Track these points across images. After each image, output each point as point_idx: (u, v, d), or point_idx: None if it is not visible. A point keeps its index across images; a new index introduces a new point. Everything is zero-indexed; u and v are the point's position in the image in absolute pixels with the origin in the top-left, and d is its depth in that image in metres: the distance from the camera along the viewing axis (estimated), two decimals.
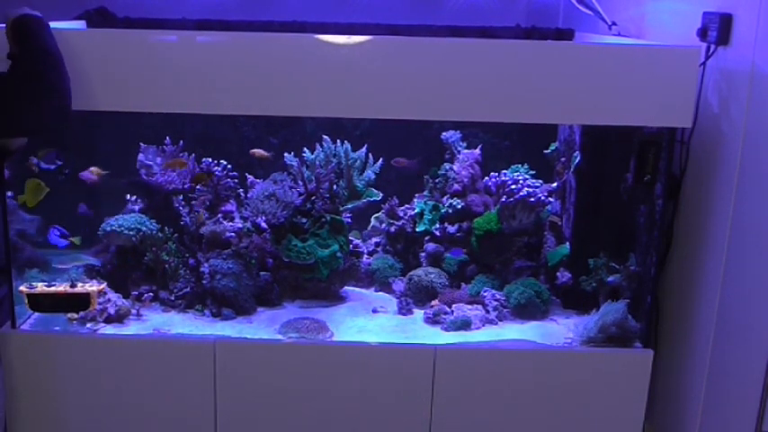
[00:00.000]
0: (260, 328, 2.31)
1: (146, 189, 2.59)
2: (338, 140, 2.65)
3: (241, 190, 2.60)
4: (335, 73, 1.96)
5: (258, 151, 2.54)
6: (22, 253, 2.48)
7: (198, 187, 2.55)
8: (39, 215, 2.51)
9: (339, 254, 2.47)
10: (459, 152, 2.69)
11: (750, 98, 1.88)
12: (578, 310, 2.41)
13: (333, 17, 2.92)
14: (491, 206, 2.58)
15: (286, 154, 2.63)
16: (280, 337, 2.26)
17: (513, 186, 2.51)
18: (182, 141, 2.59)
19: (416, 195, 2.74)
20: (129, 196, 2.59)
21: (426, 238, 2.63)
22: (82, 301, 2.22)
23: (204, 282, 2.38)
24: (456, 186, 2.62)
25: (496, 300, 2.41)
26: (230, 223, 2.50)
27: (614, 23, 2.52)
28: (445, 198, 2.64)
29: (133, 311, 2.35)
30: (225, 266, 2.38)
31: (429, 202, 2.66)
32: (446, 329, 2.32)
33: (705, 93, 2.09)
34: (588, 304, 2.32)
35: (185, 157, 2.60)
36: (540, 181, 2.56)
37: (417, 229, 2.65)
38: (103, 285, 2.29)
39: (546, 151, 2.68)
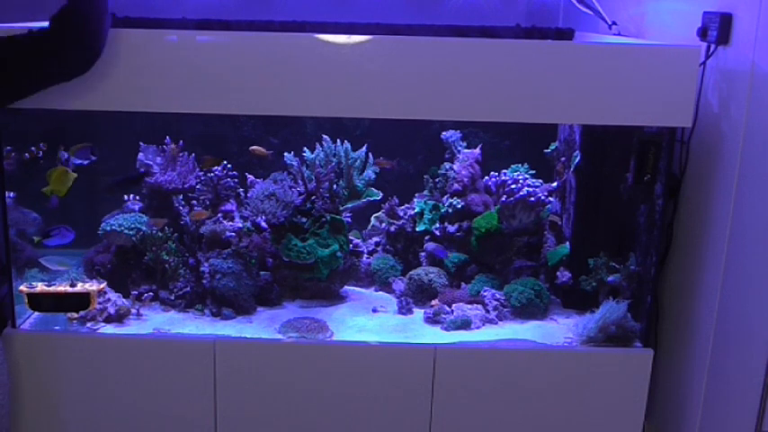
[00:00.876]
0: (260, 327, 2.31)
1: (146, 188, 2.59)
2: (338, 140, 2.65)
3: (241, 189, 2.60)
4: (335, 73, 1.96)
5: (257, 148, 2.54)
6: (22, 253, 2.48)
7: (198, 187, 2.55)
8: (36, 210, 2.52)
9: (339, 253, 2.47)
10: (459, 152, 2.69)
11: (750, 98, 1.88)
12: (578, 310, 2.41)
13: (333, 17, 2.92)
14: (491, 206, 2.58)
15: (286, 153, 2.63)
16: (280, 336, 2.26)
17: (513, 186, 2.51)
18: (182, 141, 2.59)
19: (416, 195, 2.74)
20: (127, 197, 2.59)
21: (426, 237, 2.64)
22: (82, 301, 2.22)
23: (204, 281, 2.39)
24: (456, 186, 2.62)
25: (496, 299, 2.41)
26: (230, 223, 2.51)
27: (614, 23, 2.52)
28: (445, 198, 2.64)
29: (133, 311, 2.36)
30: (225, 266, 2.38)
31: (429, 202, 2.67)
32: (446, 329, 2.32)
33: (705, 92, 2.10)
34: (588, 304, 2.32)
35: (185, 157, 2.60)
36: (540, 181, 2.56)
37: (417, 229, 2.65)
38: (103, 285, 2.30)
39: (546, 151, 2.68)
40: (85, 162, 2.39)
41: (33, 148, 2.37)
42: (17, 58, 1.84)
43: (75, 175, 2.34)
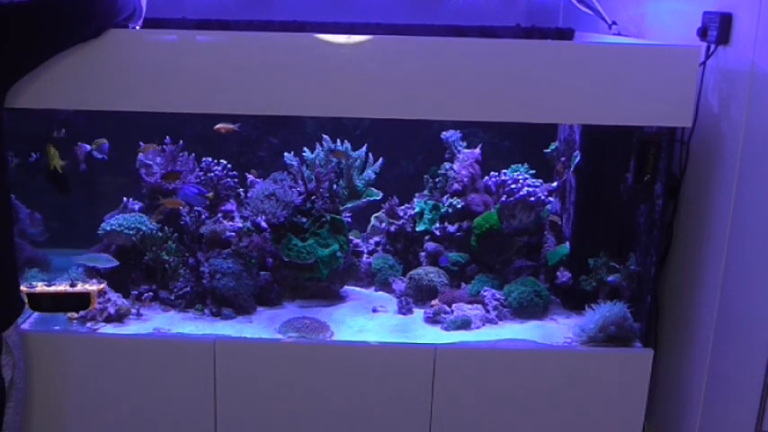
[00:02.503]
0: (260, 327, 2.31)
1: (146, 189, 2.59)
2: (338, 140, 2.65)
3: (241, 189, 2.60)
4: (335, 73, 1.96)
5: (222, 126, 2.51)
6: (22, 253, 2.48)
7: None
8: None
9: (339, 253, 2.47)
10: (459, 152, 2.69)
11: (750, 98, 1.88)
12: (578, 310, 2.41)
13: (333, 17, 2.92)
14: (491, 206, 2.58)
15: (286, 153, 2.63)
16: (280, 336, 2.26)
17: (513, 186, 2.51)
18: (182, 141, 2.59)
19: (416, 195, 2.74)
20: (129, 200, 2.60)
21: (426, 237, 2.63)
22: (82, 301, 2.22)
23: (204, 281, 2.39)
24: (456, 186, 2.62)
25: (496, 299, 2.41)
26: (230, 223, 2.51)
27: (614, 23, 2.52)
28: (445, 197, 2.64)
29: (133, 311, 2.35)
30: (225, 266, 2.38)
31: (429, 202, 2.67)
32: (446, 329, 2.32)
33: (705, 93, 2.09)
34: (588, 304, 2.32)
35: (185, 157, 2.60)
36: (540, 180, 2.56)
37: (417, 229, 2.65)
38: (103, 285, 2.30)
39: (546, 151, 2.68)
40: (101, 156, 2.39)
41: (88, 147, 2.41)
42: (41, 18, 1.83)
43: (62, 162, 2.37)
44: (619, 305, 2.23)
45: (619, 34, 2.52)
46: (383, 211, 2.74)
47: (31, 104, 1.96)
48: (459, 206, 2.58)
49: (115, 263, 2.37)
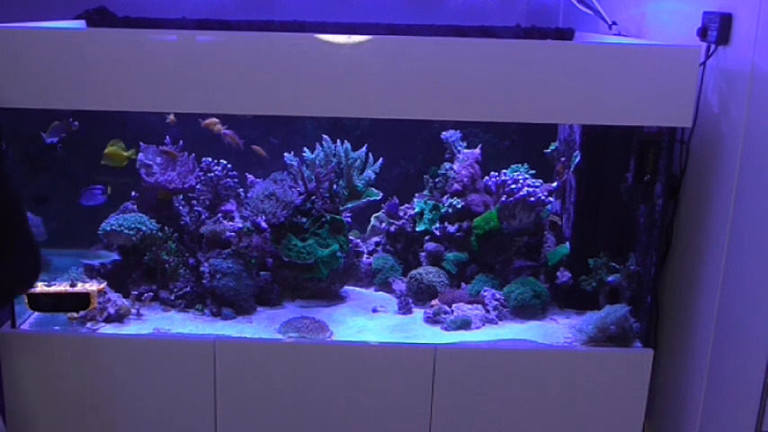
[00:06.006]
0: (260, 327, 2.31)
1: (146, 188, 2.59)
2: (338, 140, 2.65)
3: (241, 189, 2.60)
4: (335, 73, 1.96)
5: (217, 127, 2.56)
6: None
7: (198, 187, 2.54)
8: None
9: (339, 253, 2.47)
10: (459, 152, 2.69)
11: (750, 98, 1.88)
12: (578, 310, 2.41)
13: (333, 17, 2.93)
14: (491, 206, 2.58)
15: (286, 153, 2.63)
16: (280, 336, 2.26)
17: (513, 186, 2.51)
18: (182, 141, 2.59)
19: (416, 195, 2.74)
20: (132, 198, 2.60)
21: (426, 237, 2.64)
22: (82, 301, 2.22)
23: (204, 281, 2.39)
24: (456, 186, 2.62)
25: (496, 299, 2.41)
26: (230, 223, 2.51)
27: (614, 23, 2.52)
28: (445, 198, 2.64)
29: (133, 311, 2.36)
30: (225, 266, 2.38)
31: (429, 202, 2.67)
32: (446, 329, 2.32)
33: (705, 93, 2.10)
34: (588, 304, 2.32)
35: (185, 157, 2.60)
36: (540, 181, 2.56)
37: (417, 229, 2.65)
38: (103, 285, 2.30)
39: (546, 151, 2.68)
40: (56, 140, 2.39)
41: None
42: None
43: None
44: (619, 305, 2.23)
45: (619, 34, 2.52)
46: (383, 211, 2.74)
47: (30, 104, 1.96)
48: (460, 206, 2.58)
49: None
